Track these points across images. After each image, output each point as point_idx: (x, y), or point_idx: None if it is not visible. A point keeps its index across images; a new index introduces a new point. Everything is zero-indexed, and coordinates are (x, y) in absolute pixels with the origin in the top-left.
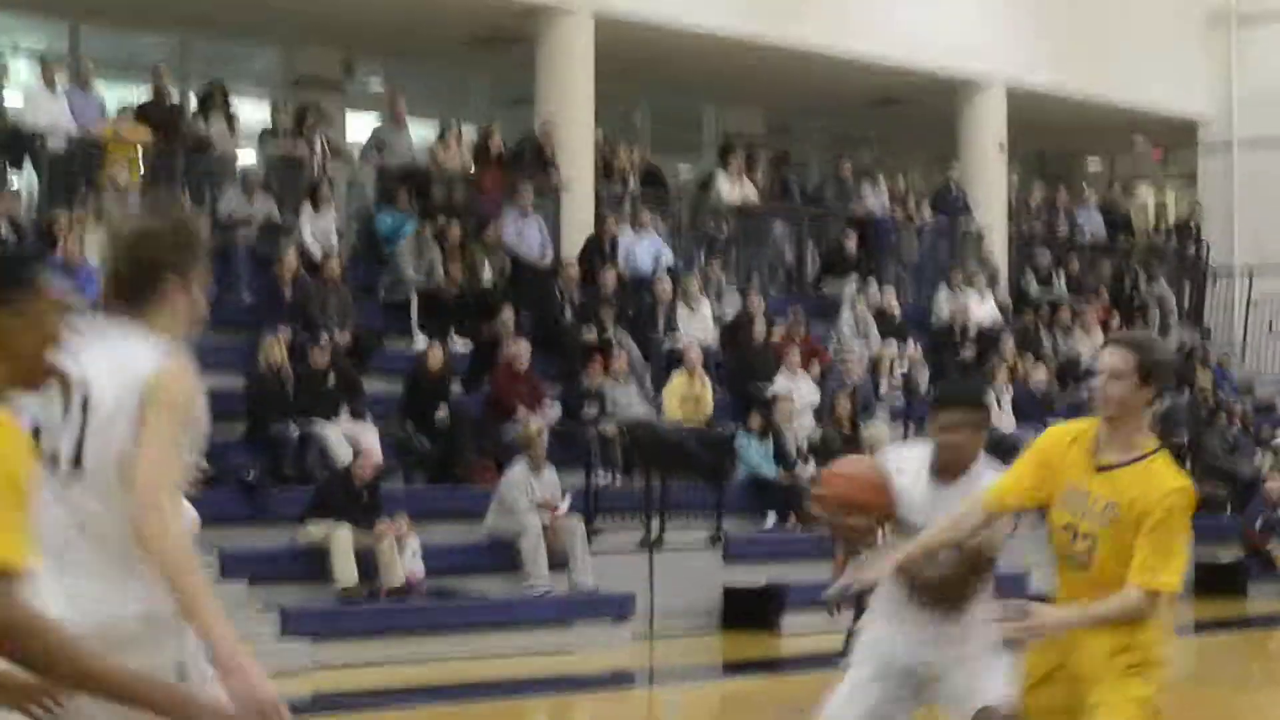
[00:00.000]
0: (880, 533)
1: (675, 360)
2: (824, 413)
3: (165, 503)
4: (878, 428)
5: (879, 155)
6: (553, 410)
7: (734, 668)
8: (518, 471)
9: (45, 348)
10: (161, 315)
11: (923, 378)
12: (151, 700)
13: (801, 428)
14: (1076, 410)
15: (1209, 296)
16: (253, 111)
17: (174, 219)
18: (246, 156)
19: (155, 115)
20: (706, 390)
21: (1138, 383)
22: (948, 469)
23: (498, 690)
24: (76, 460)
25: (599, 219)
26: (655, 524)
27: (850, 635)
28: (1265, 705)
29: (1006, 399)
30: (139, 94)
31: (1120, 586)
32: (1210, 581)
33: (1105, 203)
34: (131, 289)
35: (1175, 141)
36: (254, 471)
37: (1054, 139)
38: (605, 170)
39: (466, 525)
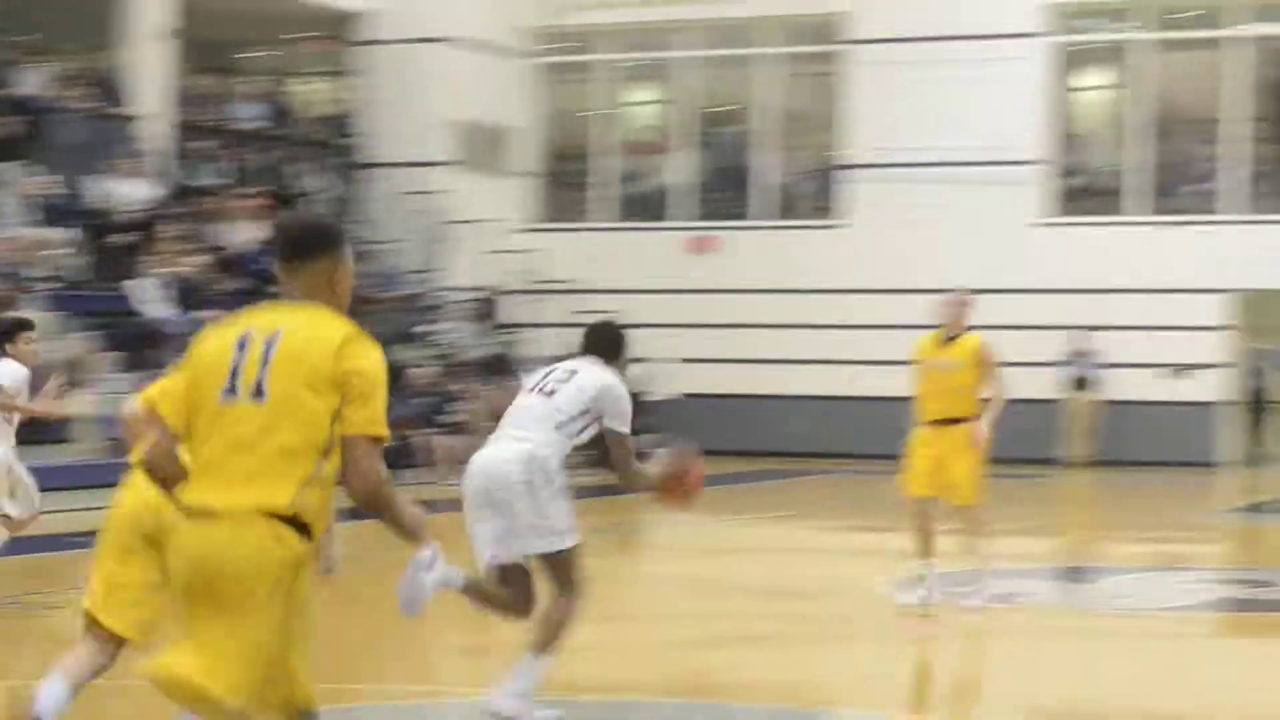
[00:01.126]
0: None
1: None
2: None
3: None
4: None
5: (40, 36)
6: None
7: None
8: None
9: (349, 291)
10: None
11: (78, 264)
12: (413, 528)
13: None
14: (235, 299)
15: (362, 190)
16: None
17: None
18: None
19: None
20: None
21: None
22: None
23: None
24: None
25: None
26: None
27: None
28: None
29: (163, 287)
30: None
31: None
32: None
33: (266, 94)
34: None
35: (333, 35)
36: None
37: (219, 28)
38: None
39: None
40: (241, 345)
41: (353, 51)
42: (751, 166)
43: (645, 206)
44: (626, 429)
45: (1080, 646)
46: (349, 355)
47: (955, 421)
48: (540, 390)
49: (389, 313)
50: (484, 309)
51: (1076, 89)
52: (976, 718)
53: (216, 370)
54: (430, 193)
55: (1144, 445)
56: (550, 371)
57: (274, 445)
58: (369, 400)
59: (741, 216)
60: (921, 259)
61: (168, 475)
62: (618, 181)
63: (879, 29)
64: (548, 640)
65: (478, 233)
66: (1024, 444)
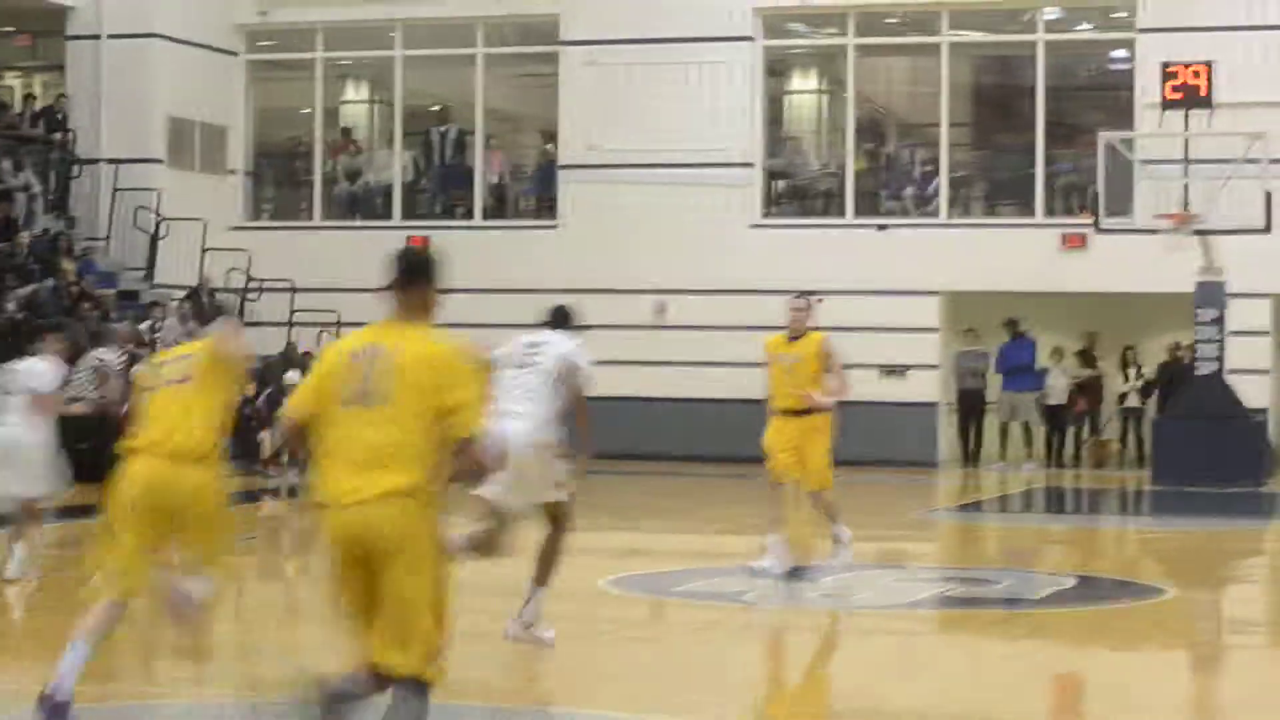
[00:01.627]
0: None
1: None
2: None
3: None
4: None
5: None
6: None
7: None
8: None
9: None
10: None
11: None
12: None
13: None
14: None
15: (74, 186)
16: None
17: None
18: None
19: None
20: None
21: None
22: None
23: None
24: None
25: None
26: None
27: None
28: None
29: None
30: None
31: None
32: None
33: None
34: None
35: (45, 29)
36: None
37: None
38: None
39: None
40: (355, 358)
41: (65, 46)
42: (469, 166)
43: (361, 205)
44: (589, 383)
45: (799, 644)
46: (446, 368)
47: (804, 413)
48: (521, 366)
49: (102, 310)
50: (196, 307)
51: (789, 92)
52: (698, 714)
53: (336, 380)
54: (143, 190)
55: (865, 444)
56: (526, 349)
57: (396, 439)
58: (466, 406)
59: (457, 216)
60: (638, 260)
61: (296, 452)
62: (333, 180)
63: (594, 31)
64: (548, 571)
65: (191, 230)
66: (745, 443)
